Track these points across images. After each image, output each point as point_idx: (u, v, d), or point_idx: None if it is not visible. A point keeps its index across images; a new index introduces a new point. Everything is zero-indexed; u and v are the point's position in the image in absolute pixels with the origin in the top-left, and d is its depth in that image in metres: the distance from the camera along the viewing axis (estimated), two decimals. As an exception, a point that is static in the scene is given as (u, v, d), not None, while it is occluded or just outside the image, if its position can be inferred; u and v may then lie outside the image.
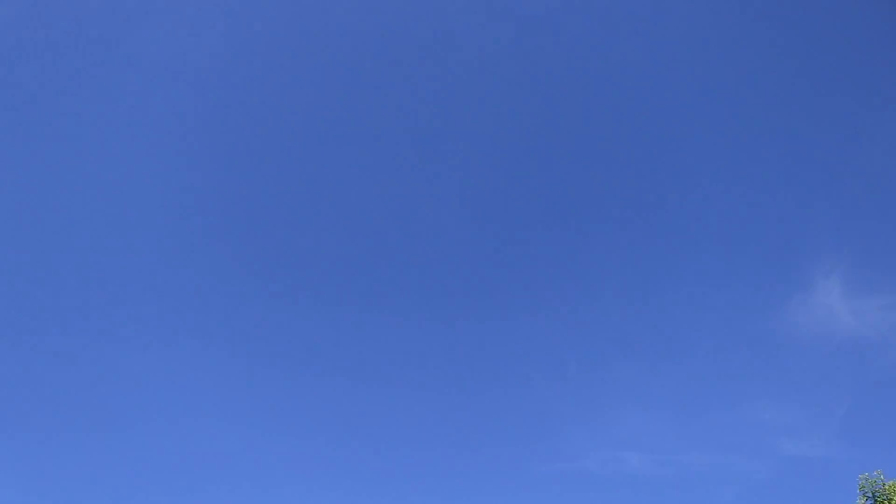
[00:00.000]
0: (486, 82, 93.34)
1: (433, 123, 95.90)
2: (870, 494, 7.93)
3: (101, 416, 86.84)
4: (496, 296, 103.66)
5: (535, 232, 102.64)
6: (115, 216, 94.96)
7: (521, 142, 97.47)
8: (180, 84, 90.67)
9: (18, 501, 74.41)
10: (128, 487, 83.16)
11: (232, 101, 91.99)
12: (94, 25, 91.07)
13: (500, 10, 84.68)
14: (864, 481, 8.06)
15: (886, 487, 7.99)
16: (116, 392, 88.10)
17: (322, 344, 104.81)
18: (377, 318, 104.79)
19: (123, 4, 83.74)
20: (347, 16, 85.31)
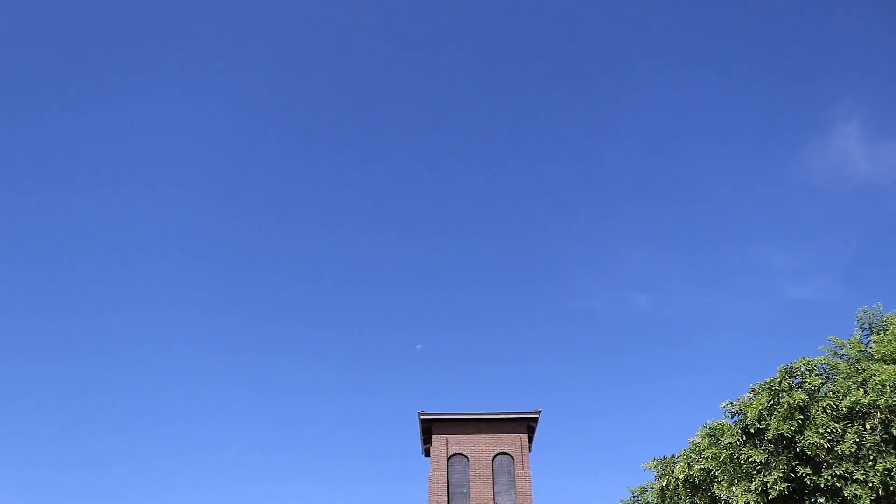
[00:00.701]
0: None
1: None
2: (867, 325, 8.01)
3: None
4: (509, 139, 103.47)
5: (549, 77, 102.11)
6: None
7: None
8: None
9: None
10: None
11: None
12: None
13: None
14: (861, 313, 8.14)
15: (884, 318, 8.05)
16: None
17: (328, 194, 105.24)
18: (390, 162, 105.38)
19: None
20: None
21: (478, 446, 43.81)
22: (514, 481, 42.57)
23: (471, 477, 42.69)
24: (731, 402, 8.51)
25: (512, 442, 43.94)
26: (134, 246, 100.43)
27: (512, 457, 43.55)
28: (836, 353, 8.50)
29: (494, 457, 43.60)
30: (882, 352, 7.65)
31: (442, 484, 42.16)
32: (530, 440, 45.00)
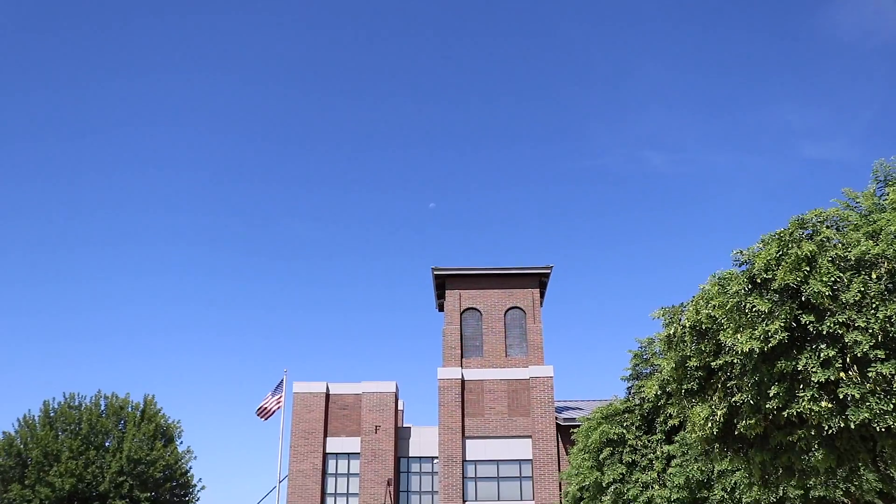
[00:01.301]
0: None
1: None
2: (882, 178, 8.03)
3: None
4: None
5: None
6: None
7: None
8: None
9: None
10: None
11: None
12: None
13: None
14: (878, 166, 8.11)
15: (901, 168, 8.11)
16: None
17: (341, 56, 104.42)
18: (405, 24, 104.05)
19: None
20: None
21: (490, 301, 44.90)
22: (526, 335, 43.91)
23: (483, 330, 44.04)
24: (741, 252, 8.58)
25: (524, 296, 44.97)
26: (142, 119, 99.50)
27: (524, 311, 44.70)
28: (848, 206, 8.46)
29: (507, 311, 44.77)
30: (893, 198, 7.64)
31: (455, 337, 43.56)
32: (542, 295, 46.00)
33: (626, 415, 16.38)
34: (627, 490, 15.23)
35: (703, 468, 13.71)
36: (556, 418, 41.09)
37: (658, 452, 15.25)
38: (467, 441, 40.90)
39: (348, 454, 44.02)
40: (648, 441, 15.66)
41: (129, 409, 36.03)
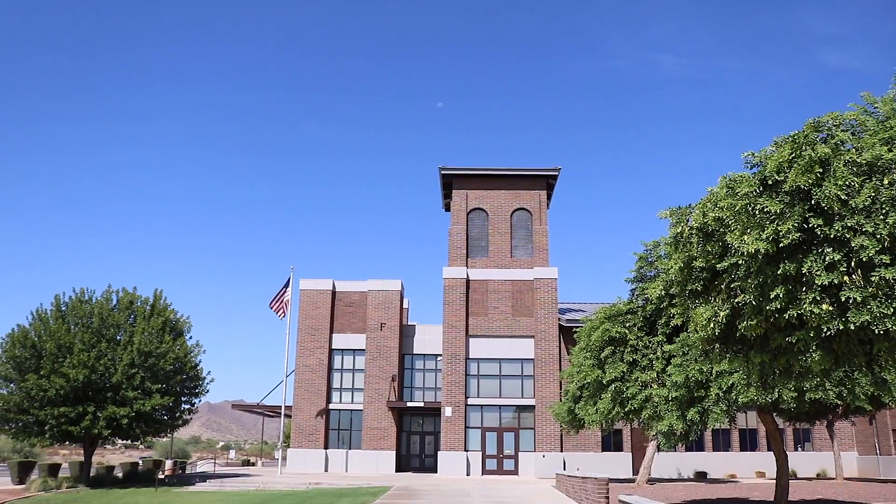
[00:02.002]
0: None
1: None
2: None
3: None
4: None
5: None
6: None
7: None
8: None
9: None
10: None
11: None
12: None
13: None
14: None
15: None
16: None
17: None
18: None
19: None
20: None
21: (497, 201, 44.84)
22: (532, 236, 44.05)
23: (489, 231, 44.16)
24: (753, 154, 8.46)
25: (531, 198, 44.87)
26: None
27: (530, 212, 44.69)
28: (866, 111, 8.29)
29: (513, 212, 44.76)
30: None
31: (461, 237, 43.73)
32: (549, 197, 45.88)
33: (629, 315, 16.59)
34: (627, 388, 15.60)
35: (703, 368, 13.97)
36: (559, 319, 41.70)
37: (658, 353, 15.50)
38: (471, 339, 41.67)
39: (353, 350, 44.98)
40: (650, 342, 15.92)
41: (139, 303, 36.56)
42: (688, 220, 9.18)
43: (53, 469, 37.12)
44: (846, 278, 7.09)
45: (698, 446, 41.55)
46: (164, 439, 51.19)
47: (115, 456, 75.93)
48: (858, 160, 7.36)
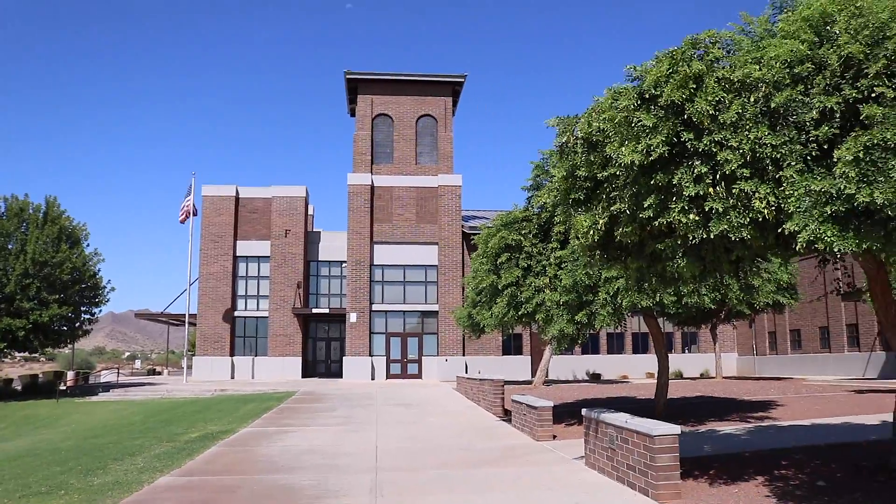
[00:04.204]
0: None
1: None
2: (779, 5, 8.22)
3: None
4: None
5: None
6: None
7: None
8: None
9: None
10: None
11: None
12: None
13: None
14: None
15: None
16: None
17: None
18: None
19: None
20: None
21: (403, 107, 44.43)
22: (437, 143, 44.03)
23: (394, 137, 43.88)
24: (635, 67, 8.73)
25: (436, 105, 44.64)
26: None
27: (435, 119, 44.53)
28: (742, 30, 8.62)
29: (419, 118, 44.50)
30: (785, 30, 7.81)
31: (366, 143, 43.32)
32: (455, 104, 45.72)
33: (524, 223, 17.02)
34: (521, 293, 16.18)
35: (591, 273, 14.60)
36: (463, 226, 42.33)
37: (551, 259, 16.05)
38: (375, 246, 41.92)
39: (258, 257, 44.67)
40: (543, 248, 16.45)
41: (31, 211, 35.09)
42: (574, 130, 9.45)
43: (-55, 382, 36.03)
44: (711, 190, 7.53)
45: (594, 349, 43.68)
46: (66, 351, 50.13)
47: (14, 369, 73.97)
48: (731, 77, 7.71)
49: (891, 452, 9.05)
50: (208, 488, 9.62)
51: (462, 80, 44.67)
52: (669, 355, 43.80)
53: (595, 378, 40.71)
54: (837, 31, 7.53)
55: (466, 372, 36.78)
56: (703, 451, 11.46)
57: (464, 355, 40.72)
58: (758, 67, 7.63)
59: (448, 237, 41.84)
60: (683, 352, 44.87)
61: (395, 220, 42.39)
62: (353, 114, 47.01)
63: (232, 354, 43.12)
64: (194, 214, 40.76)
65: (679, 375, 40.43)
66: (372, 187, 42.39)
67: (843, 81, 7.34)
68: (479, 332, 20.71)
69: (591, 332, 16.03)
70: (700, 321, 32.34)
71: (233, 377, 42.33)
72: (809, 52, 7.63)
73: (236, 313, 43.82)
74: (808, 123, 7.31)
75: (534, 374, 40.26)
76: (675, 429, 8.44)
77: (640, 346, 44.37)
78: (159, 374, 59.95)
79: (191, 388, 33.26)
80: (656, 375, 16.91)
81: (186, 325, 42.21)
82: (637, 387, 29.88)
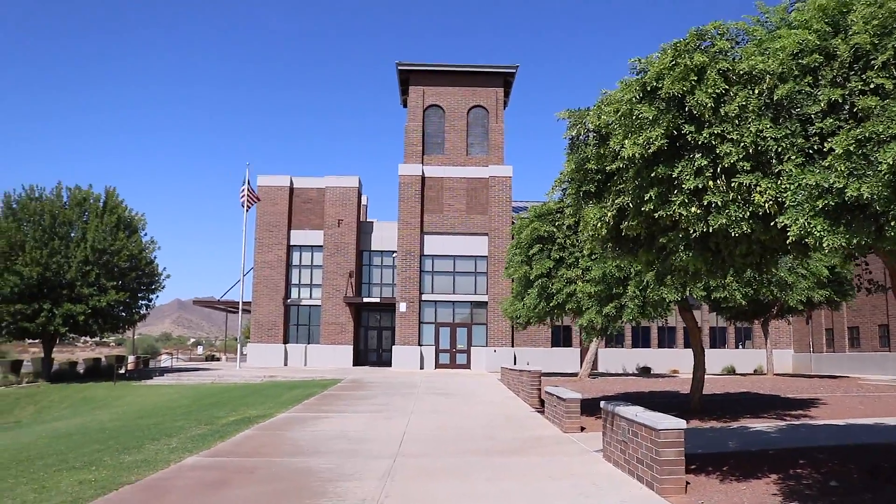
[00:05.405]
0: None
1: None
2: None
3: None
4: None
5: None
6: None
7: None
8: None
9: None
10: None
11: None
12: None
13: None
14: None
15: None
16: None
17: None
18: None
19: None
20: None
21: (454, 98, 44.55)
22: (488, 134, 44.06)
23: (445, 128, 44.05)
24: (640, 59, 8.69)
25: (488, 95, 44.62)
26: None
27: (487, 110, 44.53)
28: (758, 21, 8.48)
29: (470, 109, 44.57)
30: (798, 19, 7.68)
31: (418, 134, 43.61)
32: (506, 95, 45.64)
33: (558, 214, 17.05)
34: (553, 284, 16.23)
35: (622, 266, 14.56)
36: (513, 217, 42.30)
37: (585, 251, 16.05)
38: (426, 236, 42.23)
39: (312, 247, 45.44)
40: (577, 240, 16.45)
41: (91, 201, 36.44)
42: (585, 123, 9.46)
43: (16, 365, 37.78)
44: (711, 183, 7.49)
45: (644, 342, 43.25)
46: (136, 336, 51.88)
47: (83, 353, 77.02)
48: (736, 69, 7.64)
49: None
50: (230, 468, 9.99)
51: (514, 70, 44.55)
52: (722, 350, 42.99)
53: (645, 372, 40.31)
54: (853, 20, 7.37)
55: (515, 363, 36.87)
56: (727, 448, 11.36)
57: (512, 346, 40.78)
58: (764, 59, 7.53)
59: (498, 228, 41.87)
60: (737, 347, 44.05)
61: (445, 210, 42.62)
62: (405, 104, 47.34)
63: (285, 342, 44.04)
64: (258, 200, 41.81)
65: (731, 371, 39.73)
66: (423, 178, 42.67)
67: (853, 73, 7.20)
68: (522, 323, 20.80)
69: (620, 323, 15.97)
70: (752, 316, 31.91)
71: (286, 364, 43.25)
72: (819, 43, 7.49)
73: (290, 301, 44.71)
74: (813, 116, 7.21)
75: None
76: (681, 423, 8.41)
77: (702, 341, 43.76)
78: (218, 360, 61.63)
79: (242, 374, 34.17)
80: (714, 371, 16.76)
81: (240, 312, 43.27)
82: (684, 381, 29.50)
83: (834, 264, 21.06)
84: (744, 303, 16.20)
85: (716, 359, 41.48)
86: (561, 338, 42.32)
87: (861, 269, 15.64)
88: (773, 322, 36.39)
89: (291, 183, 45.89)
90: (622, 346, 42.32)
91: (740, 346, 44.20)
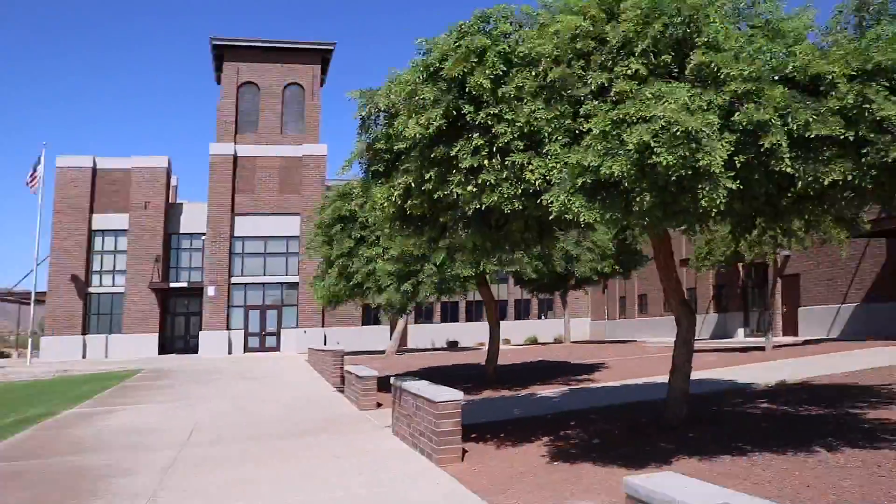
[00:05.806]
0: None
1: None
2: None
3: None
4: None
5: None
6: None
7: None
8: None
9: None
10: None
11: None
12: None
13: None
14: None
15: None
16: None
17: None
18: None
19: None
20: None
21: (270, 75, 43.37)
22: (304, 111, 43.26)
23: (260, 106, 42.82)
24: (426, 40, 8.80)
25: (304, 73, 43.80)
26: None
27: (303, 87, 43.71)
28: (545, 4, 8.78)
29: (286, 87, 43.57)
30: (579, 4, 8.01)
31: (231, 112, 42.09)
32: (324, 73, 45.01)
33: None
34: (353, 263, 16.23)
35: (417, 242, 14.78)
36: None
37: (385, 230, 16.17)
38: (237, 217, 40.94)
39: (116, 231, 42.75)
40: (376, 218, 16.54)
41: None
42: (376, 103, 9.44)
43: None
44: (486, 162, 7.70)
45: (453, 317, 44.51)
46: None
47: None
48: (516, 51, 7.87)
49: (664, 410, 9.63)
50: (-9, 472, 9.16)
51: (331, 48, 44.01)
52: (525, 322, 44.98)
53: (452, 346, 41.43)
54: (624, 8, 7.75)
55: (325, 343, 36.65)
56: (511, 415, 11.86)
57: (323, 327, 40.53)
58: (542, 42, 7.80)
59: (312, 208, 41.36)
60: (540, 318, 46.36)
61: (258, 190, 41.55)
62: (219, 81, 45.54)
63: (84, 333, 41.25)
64: (34, 189, 38.51)
65: (534, 341, 41.71)
66: (235, 157, 41.32)
67: (619, 58, 7.61)
68: (324, 304, 20.66)
69: (419, 300, 16.27)
70: (552, 288, 33.51)
71: (84, 356, 40.53)
72: (592, 29, 7.84)
73: (91, 290, 41.90)
74: (583, 99, 7.56)
75: (395, 344, 40.64)
76: (458, 395, 8.66)
77: (498, 314, 45.61)
78: (7, 356, 56.62)
79: (32, 371, 31.56)
80: (518, 341, 17.41)
81: (32, 303, 39.93)
82: (485, 353, 30.53)
83: (624, 237, 22.45)
84: (534, 276, 16.96)
85: (520, 330, 43.55)
86: (372, 316, 42.52)
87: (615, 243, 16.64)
88: (572, 293, 38.37)
89: (94, 164, 42.87)
90: (431, 322, 43.27)
91: (543, 317, 46.53)
